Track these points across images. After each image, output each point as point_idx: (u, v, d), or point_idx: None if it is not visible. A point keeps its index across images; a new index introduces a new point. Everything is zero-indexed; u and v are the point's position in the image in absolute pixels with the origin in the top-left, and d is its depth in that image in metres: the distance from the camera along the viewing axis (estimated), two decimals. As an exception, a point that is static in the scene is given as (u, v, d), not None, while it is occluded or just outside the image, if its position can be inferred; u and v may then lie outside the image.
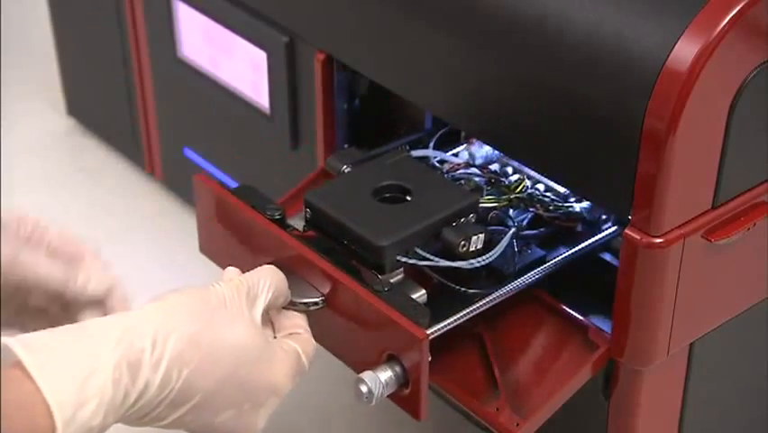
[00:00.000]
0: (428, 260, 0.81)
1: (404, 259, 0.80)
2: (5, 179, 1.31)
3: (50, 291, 0.84)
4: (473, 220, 0.84)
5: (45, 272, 0.84)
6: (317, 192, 0.86)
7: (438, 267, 0.81)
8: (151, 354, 0.68)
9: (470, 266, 0.82)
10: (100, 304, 0.85)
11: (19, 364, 0.65)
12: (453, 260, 0.81)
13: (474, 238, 0.82)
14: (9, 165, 1.37)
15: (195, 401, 0.70)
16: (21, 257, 0.83)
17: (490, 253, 0.83)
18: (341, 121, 1.02)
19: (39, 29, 1.52)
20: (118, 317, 0.70)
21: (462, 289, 0.83)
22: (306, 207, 0.85)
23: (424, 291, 0.82)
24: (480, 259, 0.82)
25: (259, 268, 0.79)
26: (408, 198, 0.85)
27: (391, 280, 0.80)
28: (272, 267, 0.79)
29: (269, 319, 0.79)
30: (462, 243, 0.81)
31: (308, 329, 0.80)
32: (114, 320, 0.70)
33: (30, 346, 0.65)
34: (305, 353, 0.78)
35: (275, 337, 0.79)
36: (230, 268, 0.80)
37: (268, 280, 0.77)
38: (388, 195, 0.85)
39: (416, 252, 0.81)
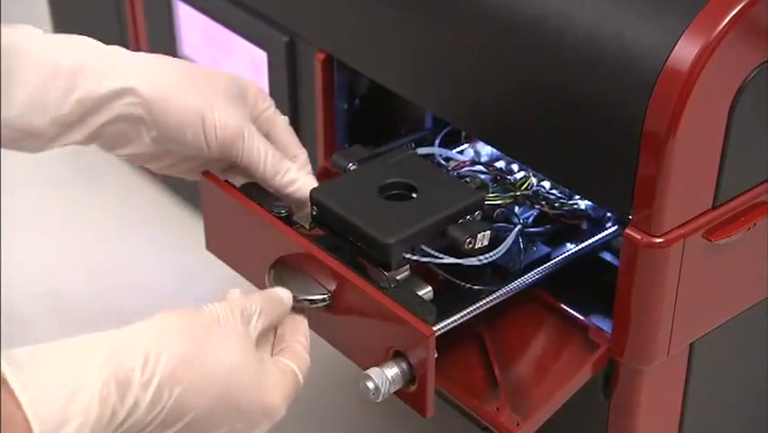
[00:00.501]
0: (434, 257, 0.81)
1: (410, 256, 0.81)
2: (5, 179, 1.31)
3: (251, 171, 0.87)
4: (479, 217, 0.84)
5: (258, 158, 0.87)
6: (324, 189, 0.86)
7: (444, 264, 0.81)
8: (142, 373, 0.68)
9: (476, 263, 0.82)
10: (288, 197, 0.88)
11: (4, 380, 0.64)
12: (459, 257, 0.81)
13: (480, 235, 0.81)
14: (9, 165, 1.37)
15: (186, 421, 0.70)
16: (245, 133, 0.86)
17: (496, 251, 0.83)
18: (341, 121, 1.02)
19: (39, 29, 1.53)
20: (108, 335, 0.69)
21: (468, 285, 0.83)
22: (312, 204, 0.85)
23: (430, 288, 0.82)
24: (485, 256, 0.82)
25: (253, 292, 0.79)
26: (414, 195, 0.85)
27: (397, 278, 0.80)
28: (265, 291, 0.79)
29: (270, 340, 0.79)
30: (468, 240, 0.81)
31: (307, 345, 0.79)
32: (103, 338, 0.69)
33: (16, 362, 0.65)
34: (301, 371, 0.77)
35: (272, 354, 0.78)
36: (232, 290, 0.79)
37: (259, 304, 0.77)
38: (393, 192, 0.85)
39: (422, 249, 0.81)
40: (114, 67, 0.85)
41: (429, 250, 0.81)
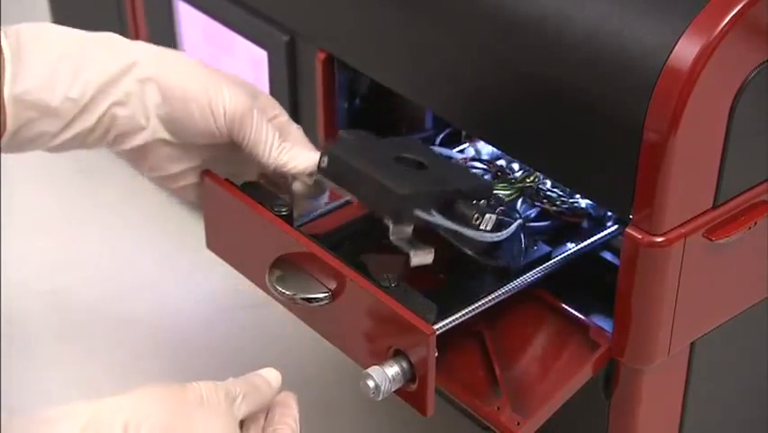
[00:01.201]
0: (443, 224, 0.80)
1: (419, 213, 0.79)
2: (5, 179, 1.31)
3: (256, 153, 0.87)
4: (485, 205, 0.83)
5: (266, 139, 0.87)
6: (337, 143, 0.86)
7: (451, 230, 0.80)
8: None
9: (482, 238, 0.81)
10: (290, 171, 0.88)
11: None
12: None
13: (487, 216, 0.81)
14: (9, 165, 1.37)
15: None
16: (255, 113, 0.87)
17: (503, 232, 0.82)
18: (342, 120, 1.02)
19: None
20: (90, 404, 0.69)
21: (480, 259, 0.82)
22: (322, 156, 0.85)
23: (432, 249, 0.81)
24: (493, 235, 0.81)
25: (241, 376, 0.78)
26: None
27: (403, 232, 0.80)
28: (252, 375, 0.79)
29: (260, 422, 0.78)
30: (476, 215, 0.81)
31: (296, 427, 0.78)
32: (82, 407, 0.69)
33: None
34: None
35: None
36: (231, 379, 0.79)
37: (243, 388, 0.77)
38: (406, 164, 0.85)
39: (431, 212, 0.80)
40: (122, 50, 0.86)
41: (438, 216, 0.80)
